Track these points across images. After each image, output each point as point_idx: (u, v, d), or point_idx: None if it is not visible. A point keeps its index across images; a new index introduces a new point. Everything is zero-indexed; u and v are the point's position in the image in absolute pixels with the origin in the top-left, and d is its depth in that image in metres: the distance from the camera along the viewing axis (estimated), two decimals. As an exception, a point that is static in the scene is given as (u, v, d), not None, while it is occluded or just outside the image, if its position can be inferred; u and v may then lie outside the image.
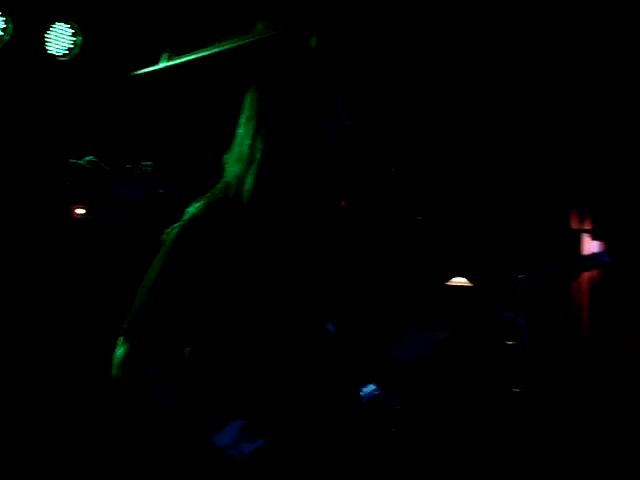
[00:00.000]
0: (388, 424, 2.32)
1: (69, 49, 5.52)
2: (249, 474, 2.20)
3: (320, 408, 2.29)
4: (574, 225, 7.94)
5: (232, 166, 2.41)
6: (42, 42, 5.42)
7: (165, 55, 5.66)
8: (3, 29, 5.22)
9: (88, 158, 5.40)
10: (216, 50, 5.12)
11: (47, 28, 5.43)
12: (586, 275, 7.61)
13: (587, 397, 6.80)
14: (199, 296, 2.28)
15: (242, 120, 2.43)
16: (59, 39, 5.48)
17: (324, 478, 2.26)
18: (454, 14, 5.30)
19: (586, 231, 7.96)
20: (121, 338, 2.28)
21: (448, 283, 7.57)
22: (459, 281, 7.65)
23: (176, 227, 2.36)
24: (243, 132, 2.41)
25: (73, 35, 5.52)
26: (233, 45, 4.97)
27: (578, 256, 2.70)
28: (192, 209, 2.39)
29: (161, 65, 5.64)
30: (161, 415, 2.22)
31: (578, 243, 7.94)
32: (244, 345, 2.30)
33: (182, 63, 5.58)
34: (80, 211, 5.17)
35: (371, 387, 2.37)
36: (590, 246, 7.85)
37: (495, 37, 5.55)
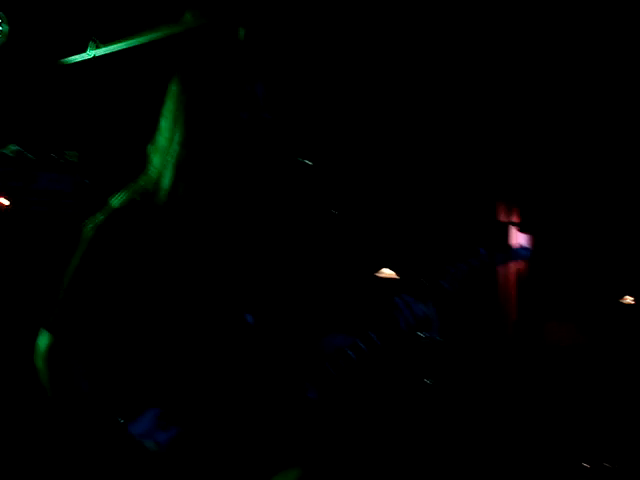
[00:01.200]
0: (302, 413, 2.35)
1: (-5, 38, 5.44)
2: (164, 462, 2.21)
3: (235, 397, 2.31)
4: (502, 217, 8.08)
5: (155, 159, 2.41)
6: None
7: (92, 44, 5.60)
8: None
9: (12, 147, 5.33)
10: (144, 40, 5.08)
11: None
12: (513, 267, 7.75)
13: (509, 386, 6.92)
14: (118, 288, 2.29)
15: (164, 112, 2.43)
16: (-15, 28, 5.40)
17: (238, 466, 2.27)
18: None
19: (513, 224, 8.10)
20: (43, 329, 2.30)
21: (377, 274, 7.64)
22: (387, 273, 7.72)
23: (96, 219, 2.36)
24: (164, 125, 2.41)
25: (-1, 24, 5.45)
26: (161, 35, 4.94)
27: (496, 251, 2.74)
28: (114, 201, 2.39)
29: (88, 54, 5.58)
30: (81, 403, 2.24)
31: (506, 235, 8.08)
32: (161, 334, 2.31)
33: (109, 53, 5.52)
34: (3, 201, 5.09)
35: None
36: (517, 238, 7.99)
37: (411, 28, 5.61)
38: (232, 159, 2.38)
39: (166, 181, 2.36)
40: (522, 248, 2.78)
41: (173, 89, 2.42)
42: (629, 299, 8.45)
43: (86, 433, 2.26)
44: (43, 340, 2.30)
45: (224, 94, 2.36)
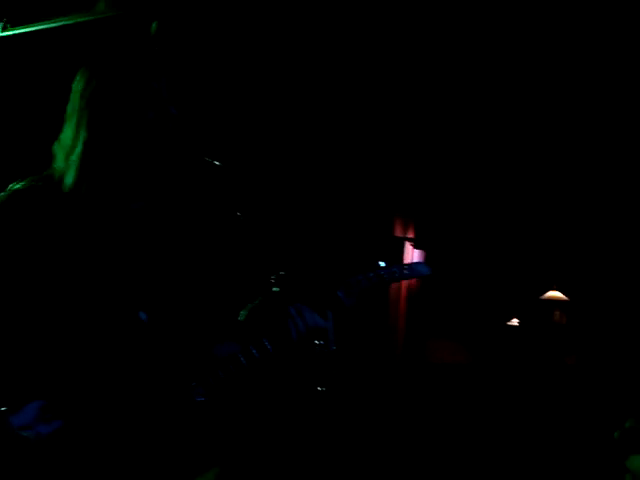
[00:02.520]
0: (188, 415, 2.35)
1: None
2: (44, 454, 2.19)
3: (122, 392, 2.30)
4: (398, 233, 8.20)
5: (58, 156, 2.39)
6: None
7: (1, 25, 5.48)
8: None
9: None
10: (53, 25, 4.98)
11: None
12: (405, 284, 7.88)
13: (395, 398, 7.03)
14: (12, 270, 2.27)
15: (68, 109, 2.41)
16: None
17: (120, 461, 2.26)
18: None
19: (409, 239, 8.23)
20: None
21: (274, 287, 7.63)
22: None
23: None
24: (69, 122, 2.39)
25: None
26: (71, 21, 4.84)
27: (396, 266, 2.77)
28: (14, 185, 2.37)
29: (-5, 35, 5.45)
30: None
31: (401, 251, 8.20)
32: (50, 326, 2.29)
33: (18, 35, 5.41)
34: None
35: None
36: (412, 254, 8.13)
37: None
38: (138, 158, 2.38)
39: (69, 179, 2.35)
40: (422, 265, 2.81)
41: (78, 85, 2.40)
42: (515, 321, 8.67)
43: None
44: None
45: (130, 90, 2.35)
